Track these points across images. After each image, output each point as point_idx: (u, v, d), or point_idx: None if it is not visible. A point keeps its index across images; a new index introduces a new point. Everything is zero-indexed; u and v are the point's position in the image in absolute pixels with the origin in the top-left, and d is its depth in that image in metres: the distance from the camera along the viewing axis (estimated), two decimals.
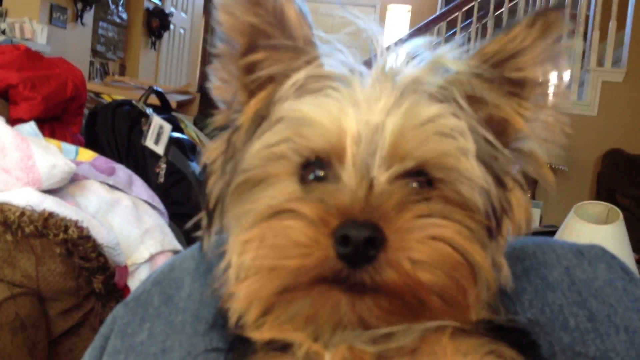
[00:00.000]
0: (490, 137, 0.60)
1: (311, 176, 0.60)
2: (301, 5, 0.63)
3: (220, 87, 0.66)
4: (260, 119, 0.62)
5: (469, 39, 6.19)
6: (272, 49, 0.64)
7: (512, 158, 0.62)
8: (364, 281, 0.51)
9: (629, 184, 5.45)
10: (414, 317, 0.55)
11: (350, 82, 0.61)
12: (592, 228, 2.82)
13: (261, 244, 0.54)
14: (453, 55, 0.62)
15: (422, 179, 0.59)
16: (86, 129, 3.17)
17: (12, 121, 2.69)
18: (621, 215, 2.88)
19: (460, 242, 0.54)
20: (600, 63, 5.72)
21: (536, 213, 5.34)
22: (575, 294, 0.73)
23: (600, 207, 3.05)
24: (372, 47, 0.64)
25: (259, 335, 0.57)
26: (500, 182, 0.60)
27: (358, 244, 0.50)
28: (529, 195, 0.63)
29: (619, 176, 5.54)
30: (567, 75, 0.62)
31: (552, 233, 3.00)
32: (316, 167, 0.59)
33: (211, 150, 0.66)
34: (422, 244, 0.52)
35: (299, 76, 0.61)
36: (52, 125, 3.04)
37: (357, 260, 0.51)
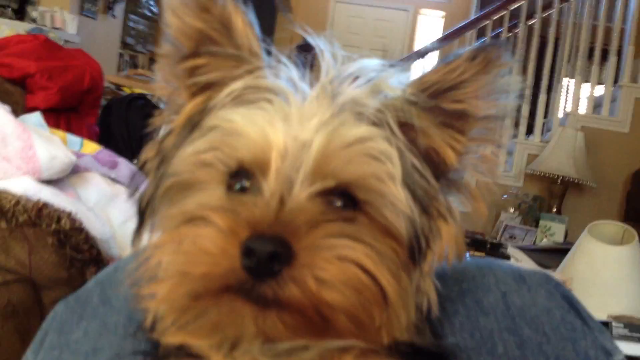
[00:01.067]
0: (419, 165, 0.60)
1: (237, 186, 0.60)
2: (249, 16, 0.64)
3: (162, 86, 0.66)
4: (193, 125, 0.62)
5: None
6: (214, 55, 0.64)
7: (442, 188, 0.61)
8: (267, 295, 0.52)
9: None
10: (319, 335, 0.55)
11: (287, 96, 0.60)
12: (605, 248, 2.76)
13: (177, 248, 0.55)
14: (394, 81, 0.62)
15: (346, 199, 0.58)
16: (101, 121, 3.22)
17: (28, 110, 2.74)
18: (637, 237, 2.81)
19: (368, 265, 0.54)
20: (634, 79, 5.60)
21: (561, 228, 5.26)
22: (509, 319, 0.72)
23: (616, 227, 2.99)
24: (320, 64, 0.63)
25: (169, 339, 0.58)
26: (425, 210, 0.60)
27: (262, 257, 0.51)
28: (458, 226, 0.62)
29: None
30: (505, 117, 0.61)
31: (567, 251, 2.95)
32: (242, 177, 0.60)
33: (148, 150, 0.67)
34: (329, 264, 0.52)
35: (237, 85, 0.62)
36: (68, 115, 3.09)
37: (260, 274, 0.51)
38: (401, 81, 0.62)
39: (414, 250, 0.59)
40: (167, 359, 0.58)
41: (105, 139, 3.00)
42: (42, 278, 1.69)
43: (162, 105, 0.68)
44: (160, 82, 0.66)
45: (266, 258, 0.50)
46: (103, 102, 3.29)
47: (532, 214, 5.26)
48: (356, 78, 0.62)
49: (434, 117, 0.61)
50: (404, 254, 0.58)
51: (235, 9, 0.63)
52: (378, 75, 0.62)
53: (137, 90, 3.75)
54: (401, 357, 0.57)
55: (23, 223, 1.63)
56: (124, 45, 7.21)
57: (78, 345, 0.73)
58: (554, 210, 5.39)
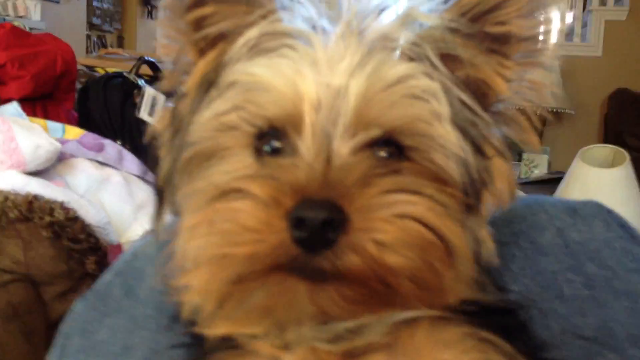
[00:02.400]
0: (468, 100, 0.53)
1: (267, 148, 0.53)
2: None
3: (166, 45, 0.59)
4: (209, 84, 0.55)
5: None
6: (222, 2, 0.56)
7: (493, 122, 0.55)
8: (324, 268, 0.45)
9: (637, 124, 5.33)
10: (383, 306, 0.49)
11: (310, 39, 0.53)
12: (598, 172, 2.78)
13: (210, 229, 0.48)
14: (427, 8, 0.54)
15: (391, 148, 0.52)
16: (79, 105, 3.12)
17: (3, 101, 2.64)
18: (628, 157, 2.83)
19: (432, 220, 0.48)
20: (602, 2, 5.57)
21: (544, 159, 5.27)
22: (570, 257, 0.67)
23: (606, 150, 3.00)
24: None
25: (213, 331, 0.52)
26: (478, 150, 0.54)
27: (315, 226, 0.44)
28: (511, 163, 0.56)
29: (626, 117, 5.41)
30: (555, 30, 0.55)
31: (558, 180, 2.94)
32: (272, 137, 0.53)
33: (158, 121, 0.59)
34: (389, 224, 0.46)
35: (252, 33, 0.54)
36: (44, 103, 2.98)
37: (314, 245, 0.45)
38: (436, 7, 0.54)
39: (470, 195, 0.53)
40: (213, 353, 0.52)
41: (85, 123, 2.90)
42: (40, 274, 1.63)
43: (163, 66, 0.61)
44: (163, 40, 0.59)
45: (319, 227, 0.44)
46: (78, 85, 3.18)
47: (515, 148, 5.27)
48: (383, 10, 0.55)
49: (478, 43, 0.54)
50: (460, 201, 0.52)
51: None
52: (408, 4, 0.55)
53: (111, 70, 3.62)
54: (470, 319, 0.51)
55: (14, 219, 1.56)
56: (91, 26, 7.01)
57: (106, 345, 0.67)
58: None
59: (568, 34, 5.61)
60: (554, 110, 5.18)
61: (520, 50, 0.55)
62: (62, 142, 1.96)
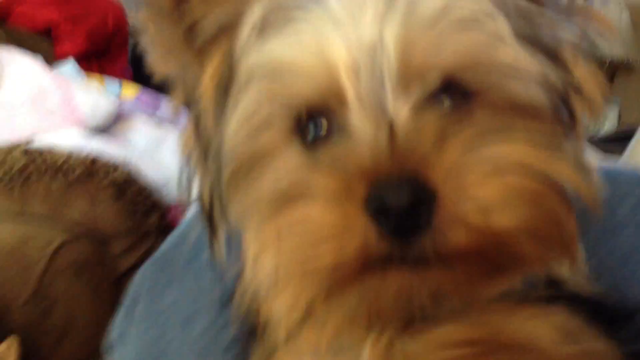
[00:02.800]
0: (523, 3, 0.46)
1: (311, 136, 0.46)
2: None
3: (162, 60, 0.50)
4: (227, 88, 0.48)
5: None
6: None
7: (558, 19, 0.47)
8: (425, 254, 0.39)
9: None
10: (505, 272, 0.43)
11: None
12: None
13: (280, 244, 0.41)
14: None
15: (457, 92, 0.44)
16: (133, 62, 3.14)
17: (59, 58, 2.67)
18: None
19: (532, 163, 0.41)
20: None
21: (613, 112, 5.08)
22: None
23: None
24: None
25: (302, 339, 0.47)
26: (556, 59, 0.46)
27: (401, 211, 0.37)
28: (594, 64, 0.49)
29: None
30: None
31: (628, 138, 2.84)
32: (314, 121, 0.45)
33: (184, 142, 0.53)
34: (486, 183, 0.39)
35: (255, 15, 0.47)
36: (99, 60, 3.02)
37: (406, 233, 0.38)
38: None
39: (562, 116, 0.46)
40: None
41: (140, 79, 2.93)
42: (106, 229, 1.67)
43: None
44: (157, 58, 0.50)
45: (407, 209, 0.37)
46: (131, 41, 3.20)
47: None
48: None
49: None
50: (554, 128, 0.45)
51: None
52: None
53: None
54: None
55: (79, 177, 1.59)
56: None
57: (173, 310, 0.67)
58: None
59: None
60: (624, 61, 5.00)
61: None
62: (120, 100, 1.98)
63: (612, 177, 0.66)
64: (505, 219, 0.39)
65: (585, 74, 0.48)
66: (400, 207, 0.37)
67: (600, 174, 0.65)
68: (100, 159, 1.62)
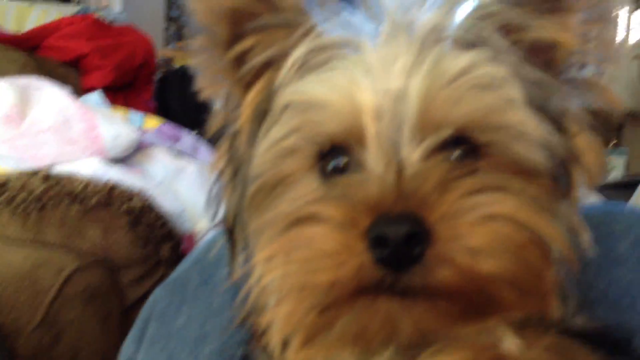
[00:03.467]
0: (539, 75, 0.50)
1: (331, 167, 0.50)
2: None
3: (210, 85, 0.56)
4: (263, 114, 0.53)
5: None
6: (261, 31, 0.54)
7: (569, 92, 0.51)
8: (414, 285, 0.42)
9: None
10: (483, 316, 0.46)
11: (358, 45, 0.51)
12: None
13: (286, 259, 0.46)
14: None
15: (465, 146, 0.49)
16: (157, 95, 3.20)
17: (85, 91, 2.73)
18: None
19: (523, 216, 0.44)
20: None
21: (621, 161, 5.07)
22: None
23: None
24: None
25: (294, 357, 0.50)
26: (561, 128, 0.50)
27: (397, 243, 0.41)
28: (598, 137, 0.52)
29: None
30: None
31: (635, 184, 2.83)
32: (335, 155, 0.50)
33: (216, 161, 0.57)
34: (477, 228, 0.43)
35: (298, 53, 0.52)
36: (124, 93, 3.08)
37: (400, 263, 0.42)
38: None
39: (559, 179, 0.49)
40: None
41: (163, 113, 2.98)
42: (118, 258, 1.68)
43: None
44: (204, 82, 0.56)
45: (402, 242, 0.41)
46: (157, 76, 3.27)
47: None
48: (425, 0, 0.52)
49: (535, 6, 0.50)
50: (550, 189, 0.49)
51: None
52: None
53: (189, 61, 3.70)
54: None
55: (95, 205, 1.61)
56: (169, 19, 7.18)
57: (184, 332, 0.68)
58: (613, 143, 5.22)
59: None
60: (633, 111, 4.99)
61: (580, 5, 0.51)
62: (141, 131, 2.01)
63: (614, 214, 0.68)
64: (489, 264, 0.43)
65: (586, 145, 0.51)
66: (397, 238, 0.41)
67: (604, 209, 0.66)
68: (118, 187, 1.64)
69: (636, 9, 5.32)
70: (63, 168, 1.71)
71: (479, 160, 0.49)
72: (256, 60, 0.54)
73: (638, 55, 5.09)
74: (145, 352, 0.69)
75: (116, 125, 1.83)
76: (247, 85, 0.55)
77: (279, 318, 0.47)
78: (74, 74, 2.86)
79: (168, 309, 0.71)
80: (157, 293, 0.74)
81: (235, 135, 0.55)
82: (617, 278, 0.63)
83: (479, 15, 0.50)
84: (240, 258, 0.56)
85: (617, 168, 5.03)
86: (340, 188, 0.47)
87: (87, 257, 1.63)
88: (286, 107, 0.51)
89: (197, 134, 2.38)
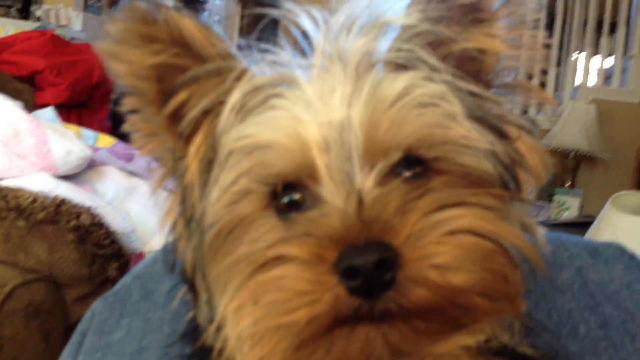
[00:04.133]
0: (473, 87, 0.51)
1: (285, 202, 0.50)
2: (200, 19, 0.53)
3: (146, 143, 0.55)
4: (210, 164, 0.52)
5: None
6: (192, 83, 0.53)
7: (503, 97, 0.53)
8: (390, 309, 0.43)
9: None
10: (459, 328, 0.48)
11: (292, 80, 0.51)
12: (630, 220, 2.70)
13: (256, 305, 0.45)
14: (394, 8, 0.53)
15: (416, 165, 0.50)
16: (113, 115, 3.18)
17: (38, 107, 2.70)
18: None
19: (483, 226, 0.45)
20: None
21: (575, 202, 5.18)
22: (588, 297, 0.66)
23: (639, 197, 2.93)
24: (296, 32, 0.54)
25: None
26: (501, 134, 0.51)
27: (368, 271, 0.42)
28: (537, 138, 0.55)
29: None
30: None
31: (588, 224, 2.89)
32: (289, 192, 0.50)
33: (167, 214, 0.57)
34: (442, 244, 0.44)
35: (234, 98, 0.52)
36: (79, 111, 3.05)
37: (373, 290, 0.43)
38: (400, 5, 0.53)
39: (508, 183, 0.51)
40: None
41: (117, 132, 2.96)
42: (63, 276, 1.66)
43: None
44: (141, 141, 0.55)
45: (373, 270, 0.42)
46: (114, 95, 3.25)
47: (546, 189, 5.20)
48: (350, 28, 0.52)
49: (459, 20, 0.52)
50: (502, 194, 0.50)
51: (180, 19, 0.53)
52: (372, 13, 0.52)
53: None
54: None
55: (42, 220, 1.59)
56: None
57: (121, 345, 0.68)
58: (568, 184, 5.33)
59: (607, 78, 5.56)
60: (588, 153, 5.12)
61: (499, 13, 0.53)
62: (94, 149, 2.00)
63: (560, 242, 0.70)
64: (459, 277, 0.44)
65: (527, 147, 0.53)
66: (367, 267, 0.42)
67: (549, 239, 0.69)
68: (66, 203, 1.63)
69: (594, 54, 5.50)
70: (10, 182, 1.69)
71: (432, 178, 0.50)
72: (193, 112, 0.53)
73: (594, 99, 5.24)
74: None
75: (68, 142, 1.81)
76: (189, 138, 0.54)
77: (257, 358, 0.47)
78: (29, 90, 2.83)
79: (107, 322, 0.71)
80: (96, 306, 0.74)
81: (185, 188, 0.54)
82: (558, 306, 0.65)
83: (407, 37, 0.51)
84: (204, 302, 0.54)
85: (571, 208, 5.13)
86: (302, 226, 0.47)
87: (31, 273, 1.60)
88: (231, 152, 0.51)
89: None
